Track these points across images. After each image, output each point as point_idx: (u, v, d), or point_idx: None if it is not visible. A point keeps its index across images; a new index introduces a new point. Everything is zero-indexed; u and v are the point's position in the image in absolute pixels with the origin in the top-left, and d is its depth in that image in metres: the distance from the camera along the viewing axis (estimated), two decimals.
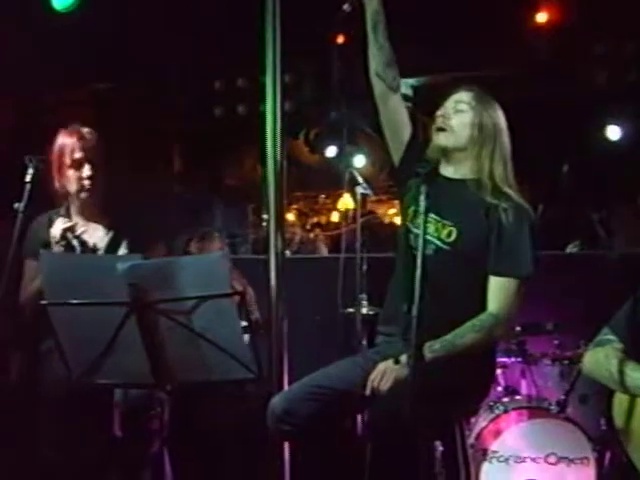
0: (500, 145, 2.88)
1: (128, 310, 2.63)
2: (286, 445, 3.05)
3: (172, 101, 6.52)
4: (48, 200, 3.38)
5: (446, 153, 2.90)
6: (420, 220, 2.60)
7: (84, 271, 2.73)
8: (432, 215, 2.80)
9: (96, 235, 3.34)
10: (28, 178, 3.08)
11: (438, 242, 2.83)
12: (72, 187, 3.27)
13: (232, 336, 2.61)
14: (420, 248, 2.56)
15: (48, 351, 3.12)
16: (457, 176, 2.90)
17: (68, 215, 3.34)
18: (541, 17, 5.97)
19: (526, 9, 5.96)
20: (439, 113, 2.93)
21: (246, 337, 2.68)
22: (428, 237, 2.77)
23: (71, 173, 3.25)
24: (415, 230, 2.81)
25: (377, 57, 2.98)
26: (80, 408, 3.05)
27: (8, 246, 3.01)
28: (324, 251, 7.68)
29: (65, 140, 3.28)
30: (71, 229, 3.23)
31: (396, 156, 3.02)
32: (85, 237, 3.29)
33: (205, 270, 2.62)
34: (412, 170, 2.83)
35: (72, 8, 4.27)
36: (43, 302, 2.73)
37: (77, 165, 3.25)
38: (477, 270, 2.81)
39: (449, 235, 2.83)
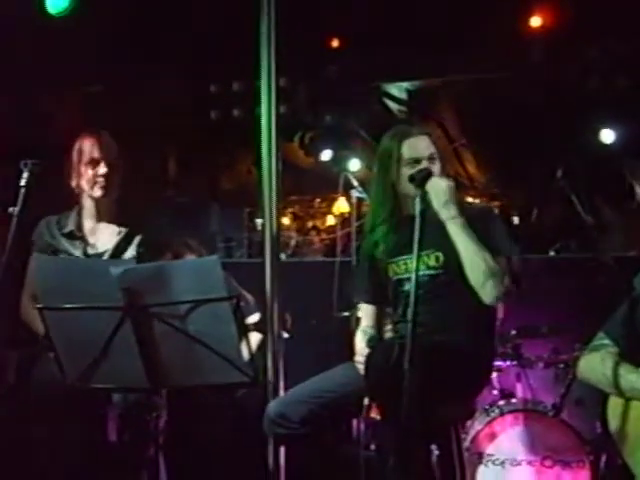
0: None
1: (123, 314, 2.62)
2: (282, 450, 3.05)
3: (168, 104, 6.51)
4: (46, 204, 3.43)
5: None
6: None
7: (78, 275, 2.72)
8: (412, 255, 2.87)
9: (104, 237, 3.42)
10: (23, 182, 3.09)
11: (429, 271, 2.87)
12: (87, 185, 3.38)
13: (227, 340, 2.60)
14: (415, 252, 2.54)
15: (43, 352, 3.12)
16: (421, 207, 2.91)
17: (79, 216, 3.44)
18: (535, 21, 6.00)
19: (520, 13, 5.98)
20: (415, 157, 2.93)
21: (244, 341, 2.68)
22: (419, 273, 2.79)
23: (87, 172, 3.37)
24: (405, 275, 2.90)
25: None
26: (75, 412, 3.04)
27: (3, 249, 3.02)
28: None
29: (84, 140, 3.39)
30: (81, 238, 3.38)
31: None
32: (92, 240, 3.41)
33: (200, 274, 2.61)
34: None
35: (67, 12, 4.29)
36: (37, 306, 2.73)
37: (94, 164, 3.36)
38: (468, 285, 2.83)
39: (437, 260, 2.89)
